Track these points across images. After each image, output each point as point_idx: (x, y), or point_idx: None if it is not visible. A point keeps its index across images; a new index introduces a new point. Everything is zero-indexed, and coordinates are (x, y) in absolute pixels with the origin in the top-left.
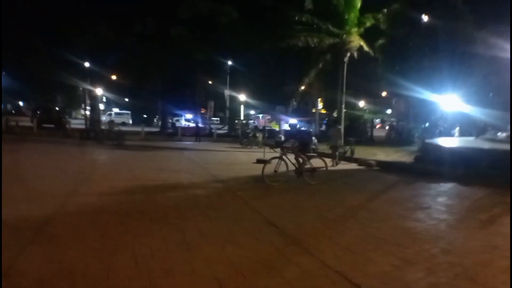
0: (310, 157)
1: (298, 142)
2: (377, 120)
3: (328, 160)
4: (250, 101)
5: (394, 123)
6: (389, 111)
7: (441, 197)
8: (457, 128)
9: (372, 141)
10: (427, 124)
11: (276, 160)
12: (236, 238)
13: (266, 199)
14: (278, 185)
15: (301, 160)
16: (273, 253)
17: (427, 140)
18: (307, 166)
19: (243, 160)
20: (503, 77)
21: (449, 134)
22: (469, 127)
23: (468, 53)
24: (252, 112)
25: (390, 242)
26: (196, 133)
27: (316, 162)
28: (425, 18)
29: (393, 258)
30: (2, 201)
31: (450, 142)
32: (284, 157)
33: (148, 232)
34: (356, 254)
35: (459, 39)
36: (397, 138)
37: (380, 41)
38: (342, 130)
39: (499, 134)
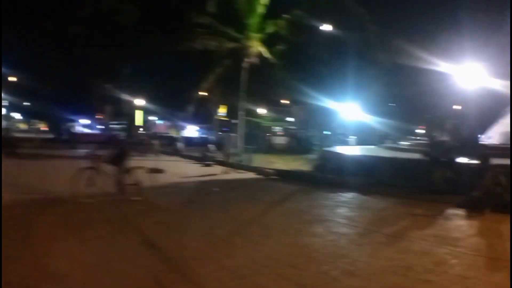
0: (128, 170)
1: (113, 151)
2: (280, 128)
3: (224, 169)
4: (151, 106)
5: (295, 131)
6: (291, 119)
7: (341, 208)
8: (353, 136)
9: (272, 149)
10: (328, 132)
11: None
12: (110, 263)
13: (151, 214)
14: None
15: (118, 172)
16: (148, 282)
17: (326, 148)
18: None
19: None
20: (403, 87)
21: (346, 142)
22: (368, 135)
23: (368, 63)
24: (152, 118)
25: (285, 263)
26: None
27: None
28: (327, 26)
29: (287, 284)
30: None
31: (350, 150)
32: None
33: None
34: (245, 279)
35: (360, 48)
36: (297, 146)
37: (280, 47)
38: (238, 138)
39: (400, 142)
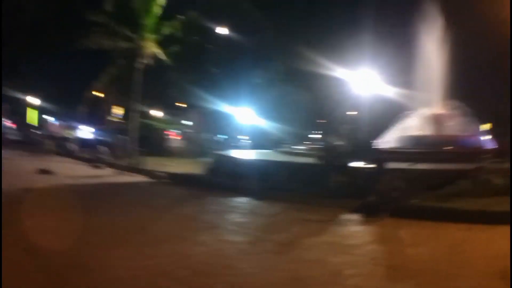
0: None
1: None
2: (176, 131)
3: (115, 171)
4: (47, 105)
5: (190, 134)
6: (188, 122)
7: (232, 214)
8: (248, 140)
9: (167, 152)
10: (224, 136)
11: None
12: None
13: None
14: None
15: None
16: None
17: (220, 152)
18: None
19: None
20: (300, 92)
21: (241, 146)
22: (263, 139)
23: (264, 67)
24: (47, 117)
25: (166, 276)
26: None
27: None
28: (222, 28)
29: None
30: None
31: (244, 154)
32: None
33: None
34: None
35: (256, 52)
36: (192, 149)
37: (175, 48)
38: (131, 140)
39: (296, 147)
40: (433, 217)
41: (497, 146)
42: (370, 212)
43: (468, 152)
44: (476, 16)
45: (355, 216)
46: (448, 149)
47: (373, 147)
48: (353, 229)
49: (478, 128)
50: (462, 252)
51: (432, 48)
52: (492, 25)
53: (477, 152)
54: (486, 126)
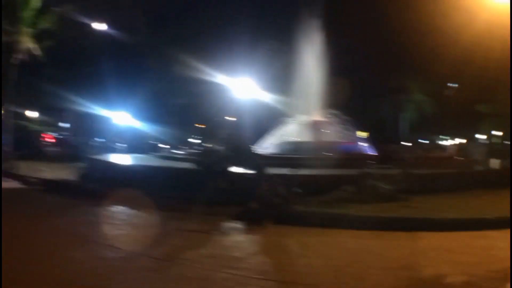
0: None
1: None
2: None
3: None
4: None
5: (68, 137)
6: (65, 124)
7: (105, 225)
8: (124, 144)
9: (43, 156)
10: (101, 139)
11: None
12: None
13: None
14: None
15: None
16: None
17: (94, 156)
18: None
19: None
20: (179, 95)
21: (117, 150)
22: (140, 143)
23: (142, 68)
24: None
25: None
26: None
27: None
28: (99, 25)
29: None
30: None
31: (119, 159)
32: None
33: None
34: None
35: (134, 53)
36: (68, 153)
37: (49, 43)
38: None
39: (174, 151)
40: (319, 223)
41: (377, 153)
42: (253, 220)
43: (348, 158)
44: (355, 27)
45: (237, 224)
46: (328, 155)
47: (252, 152)
48: (237, 239)
49: (356, 135)
50: (358, 262)
51: (311, 57)
52: (372, 35)
53: (357, 158)
54: (364, 134)
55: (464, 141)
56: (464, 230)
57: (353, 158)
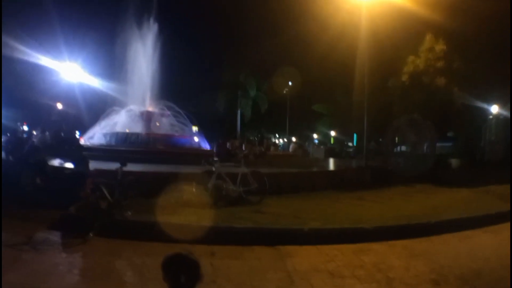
0: None
1: None
2: None
3: None
4: None
5: None
6: None
7: None
8: None
9: None
10: None
11: None
12: None
13: None
14: None
15: None
16: None
17: None
18: None
19: None
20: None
21: None
22: None
23: None
24: None
25: None
26: None
27: None
28: None
29: None
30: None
31: None
32: None
33: None
34: None
35: None
36: None
37: None
38: None
39: None
40: (155, 235)
41: (214, 149)
42: (72, 229)
43: (184, 153)
44: (193, 19)
45: (54, 235)
46: (164, 149)
47: (78, 143)
48: (50, 259)
49: (191, 129)
50: None
51: (145, 46)
52: (210, 29)
53: (194, 154)
54: (195, 128)
55: (295, 140)
56: (339, 243)
57: (190, 153)
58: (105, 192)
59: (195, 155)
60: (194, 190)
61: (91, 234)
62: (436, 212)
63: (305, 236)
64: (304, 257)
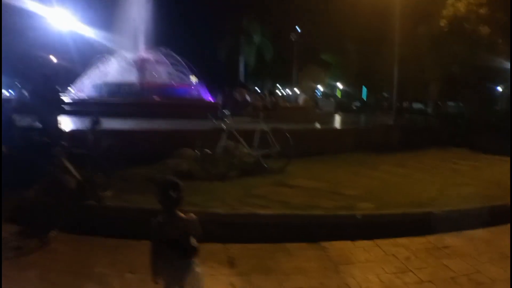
0: None
1: None
2: None
3: None
4: None
5: None
6: None
7: None
8: None
9: None
10: None
11: None
12: None
13: None
14: None
15: None
16: None
17: None
18: None
19: None
20: None
21: None
22: None
23: None
24: None
25: None
26: None
27: None
28: None
29: None
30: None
31: None
32: None
33: None
34: None
35: None
36: None
37: None
38: None
39: None
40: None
41: (219, 100)
42: (34, 224)
43: (187, 104)
44: None
45: (10, 230)
46: (161, 100)
47: (59, 102)
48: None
49: (190, 78)
50: None
51: None
52: None
53: (198, 105)
54: (195, 78)
55: (299, 91)
56: (401, 235)
57: (191, 105)
58: (69, 166)
59: (197, 108)
60: (197, 154)
61: (53, 232)
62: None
63: (358, 226)
64: (365, 264)
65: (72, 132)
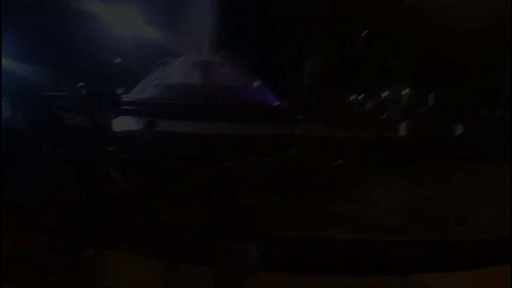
0: None
1: None
2: None
3: None
4: None
5: None
6: None
7: None
8: None
9: None
10: None
11: None
12: None
13: None
14: None
15: None
16: None
17: None
18: None
19: None
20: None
21: None
22: None
23: None
24: None
25: None
26: None
27: None
28: None
29: None
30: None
31: None
32: None
33: None
34: None
35: None
36: None
37: None
38: None
39: None
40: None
41: (280, 103)
42: (64, 234)
43: (253, 107)
44: None
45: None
46: (225, 103)
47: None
48: None
49: (253, 81)
50: None
51: None
52: None
53: (266, 109)
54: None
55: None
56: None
57: (257, 109)
58: (116, 173)
59: (264, 111)
60: (265, 163)
61: (90, 249)
62: None
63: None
64: None
65: (124, 134)
